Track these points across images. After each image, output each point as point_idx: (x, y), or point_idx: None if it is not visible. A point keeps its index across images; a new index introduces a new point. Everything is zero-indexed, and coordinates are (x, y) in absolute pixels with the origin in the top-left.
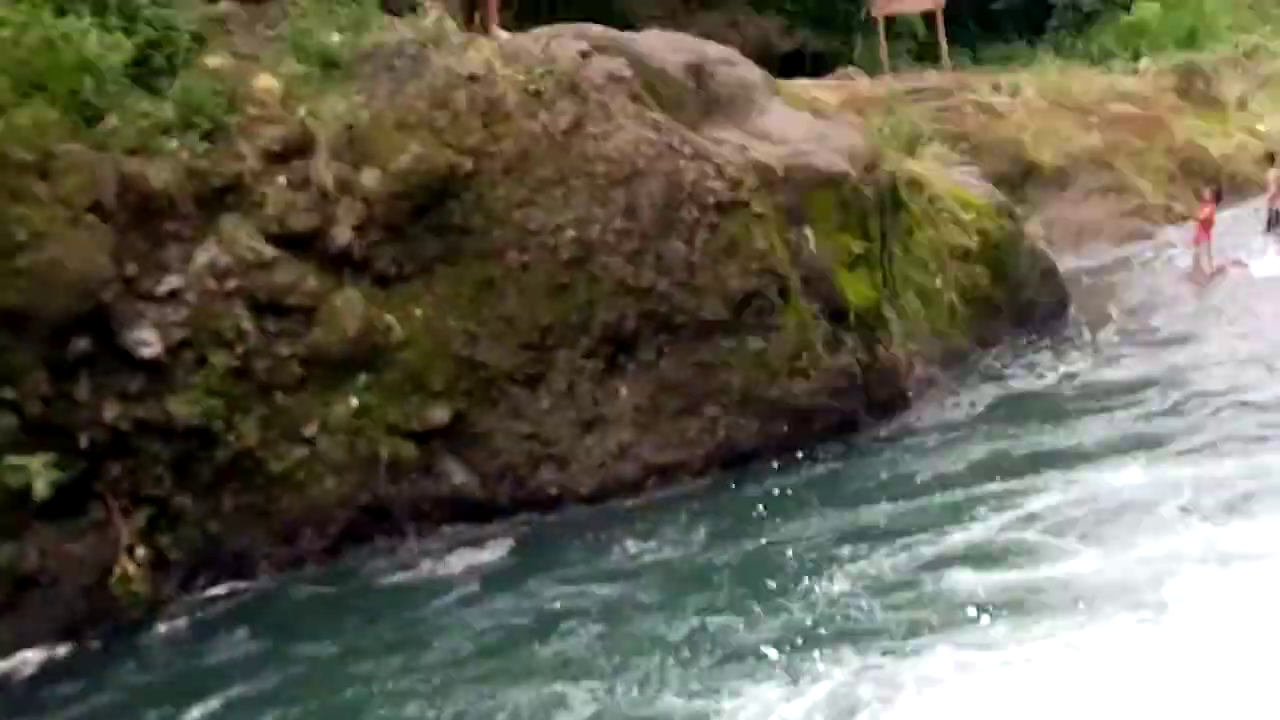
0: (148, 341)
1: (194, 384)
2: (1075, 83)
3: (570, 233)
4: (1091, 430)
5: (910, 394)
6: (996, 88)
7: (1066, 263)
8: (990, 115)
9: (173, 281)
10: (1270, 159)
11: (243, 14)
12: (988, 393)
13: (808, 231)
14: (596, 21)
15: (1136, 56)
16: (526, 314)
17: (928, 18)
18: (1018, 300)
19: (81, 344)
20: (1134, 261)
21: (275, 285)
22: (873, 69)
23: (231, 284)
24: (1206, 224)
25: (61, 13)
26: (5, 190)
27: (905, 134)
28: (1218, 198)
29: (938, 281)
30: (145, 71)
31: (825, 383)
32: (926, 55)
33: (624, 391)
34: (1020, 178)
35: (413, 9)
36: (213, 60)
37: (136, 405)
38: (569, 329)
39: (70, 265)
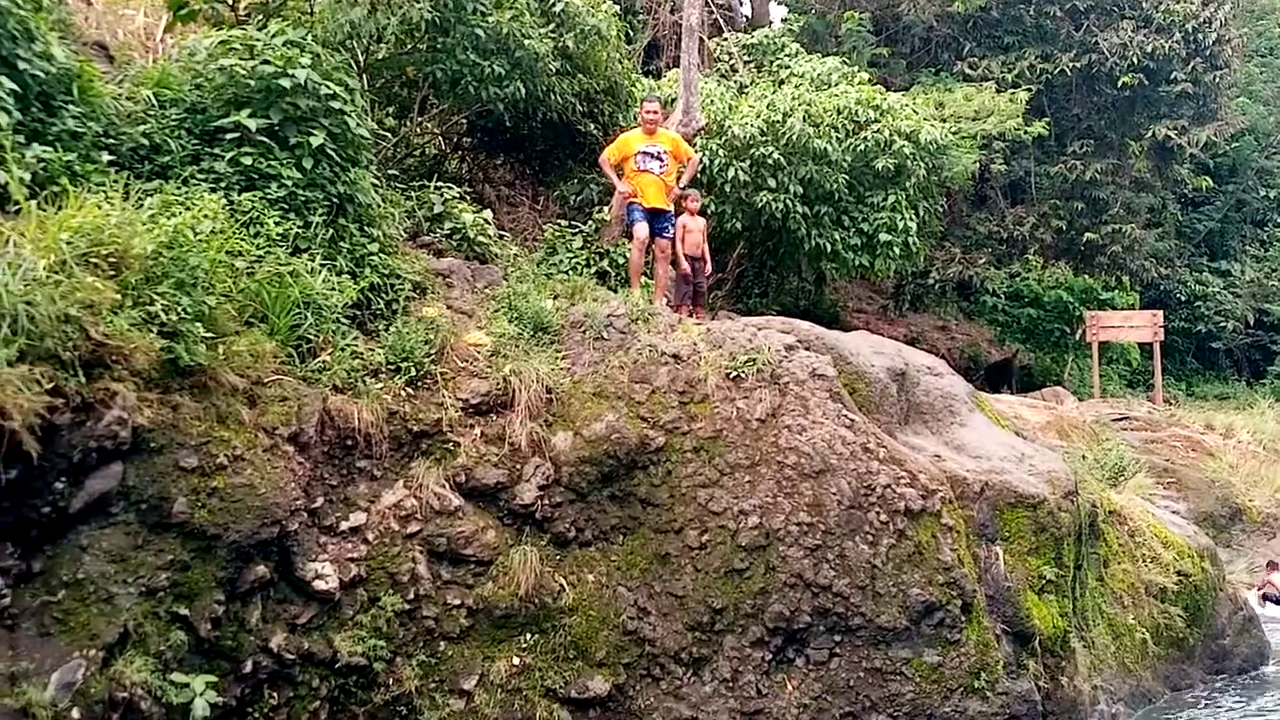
0: (324, 575)
1: (362, 622)
2: None
3: (753, 519)
4: None
5: None
6: (1210, 426)
7: (1270, 612)
8: (1200, 452)
9: (357, 518)
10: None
11: (466, 270)
12: None
13: (998, 550)
14: (807, 310)
15: None
16: (699, 594)
17: (1144, 347)
18: (1214, 646)
19: (260, 569)
20: None
21: (455, 534)
22: (1082, 390)
23: (413, 528)
24: None
25: (296, 251)
26: (214, 412)
27: (1111, 464)
28: None
29: (1130, 618)
30: (364, 314)
31: (1002, 706)
32: (1139, 383)
33: (790, 687)
34: (1227, 520)
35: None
36: (429, 310)
37: (304, 636)
38: (740, 615)
39: (262, 490)
